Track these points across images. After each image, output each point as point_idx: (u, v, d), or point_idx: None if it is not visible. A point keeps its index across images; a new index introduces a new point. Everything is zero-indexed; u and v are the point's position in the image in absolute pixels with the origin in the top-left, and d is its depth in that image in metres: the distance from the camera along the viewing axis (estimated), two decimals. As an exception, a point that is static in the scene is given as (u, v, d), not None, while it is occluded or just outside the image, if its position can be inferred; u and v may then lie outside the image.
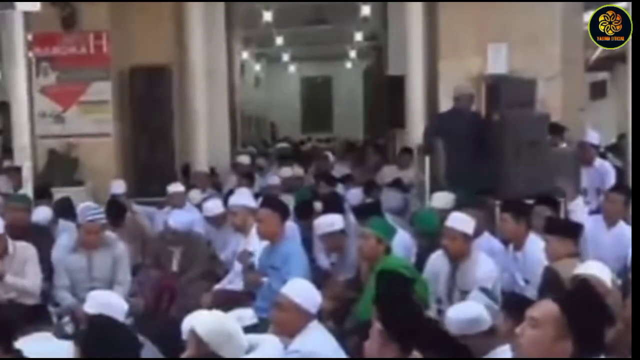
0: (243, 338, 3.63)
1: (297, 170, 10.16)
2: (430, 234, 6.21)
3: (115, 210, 7.48)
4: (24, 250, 6.07)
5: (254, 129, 22.65)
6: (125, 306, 4.44)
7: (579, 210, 6.51)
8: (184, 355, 3.65)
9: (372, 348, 3.49)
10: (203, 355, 3.51)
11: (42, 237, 6.70)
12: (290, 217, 6.46)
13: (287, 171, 9.91)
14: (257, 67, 26.19)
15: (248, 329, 4.03)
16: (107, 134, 9.82)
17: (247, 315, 4.66)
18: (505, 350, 3.70)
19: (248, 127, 20.73)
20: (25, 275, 5.98)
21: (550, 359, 2.77)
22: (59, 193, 8.48)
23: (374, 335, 3.47)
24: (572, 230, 5.23)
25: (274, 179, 9.65)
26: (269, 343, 3.83)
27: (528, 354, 2.84)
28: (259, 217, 5.81)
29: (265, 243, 5.83)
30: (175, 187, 8.41)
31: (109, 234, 6.35)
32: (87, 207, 6.31)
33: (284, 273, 5.45)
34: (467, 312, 4.04)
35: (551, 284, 4.61)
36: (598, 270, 4.42)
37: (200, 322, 3.58)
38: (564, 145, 7.65)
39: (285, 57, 26.31)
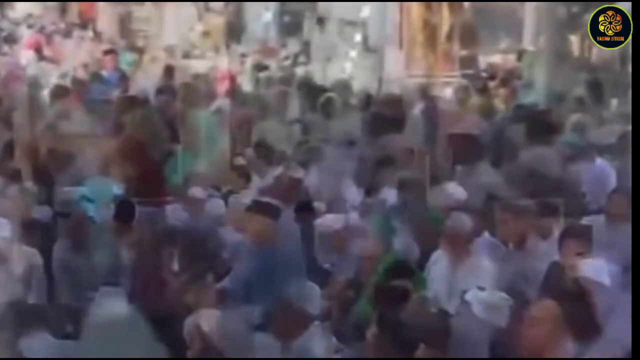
0: (248, 337, 3.62)
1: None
2: (431, 234, 6.19)
3: (125, 210, 7.46)
4: (30, 258, 6.06)
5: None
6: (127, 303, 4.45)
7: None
8: (189, 354, 3.65)
9: (371, 351, 3.49)
10: (207, 354, 3.50)
11: (43, 236, 6.71)
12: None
13: (278, 171, 9.76)
14: (257, 67, 26.12)
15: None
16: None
17: (253, 314, 4.67)
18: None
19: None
20: (29, 283, 5.99)
21: (552, 358, 2.77)
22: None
23: (370, 339, 3.48)
24: (579, 232, 5.30)
25: (268, 181, 9.54)
26: None
27: (530, 354, 2.84)
28: (250, 220, 5.76)
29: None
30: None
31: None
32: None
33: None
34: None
35: (553, 278, 4.62)
36: (594, 271, 4.25)
37: (206, 320, 3.57)
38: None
39: (286, 56, 26.25)
